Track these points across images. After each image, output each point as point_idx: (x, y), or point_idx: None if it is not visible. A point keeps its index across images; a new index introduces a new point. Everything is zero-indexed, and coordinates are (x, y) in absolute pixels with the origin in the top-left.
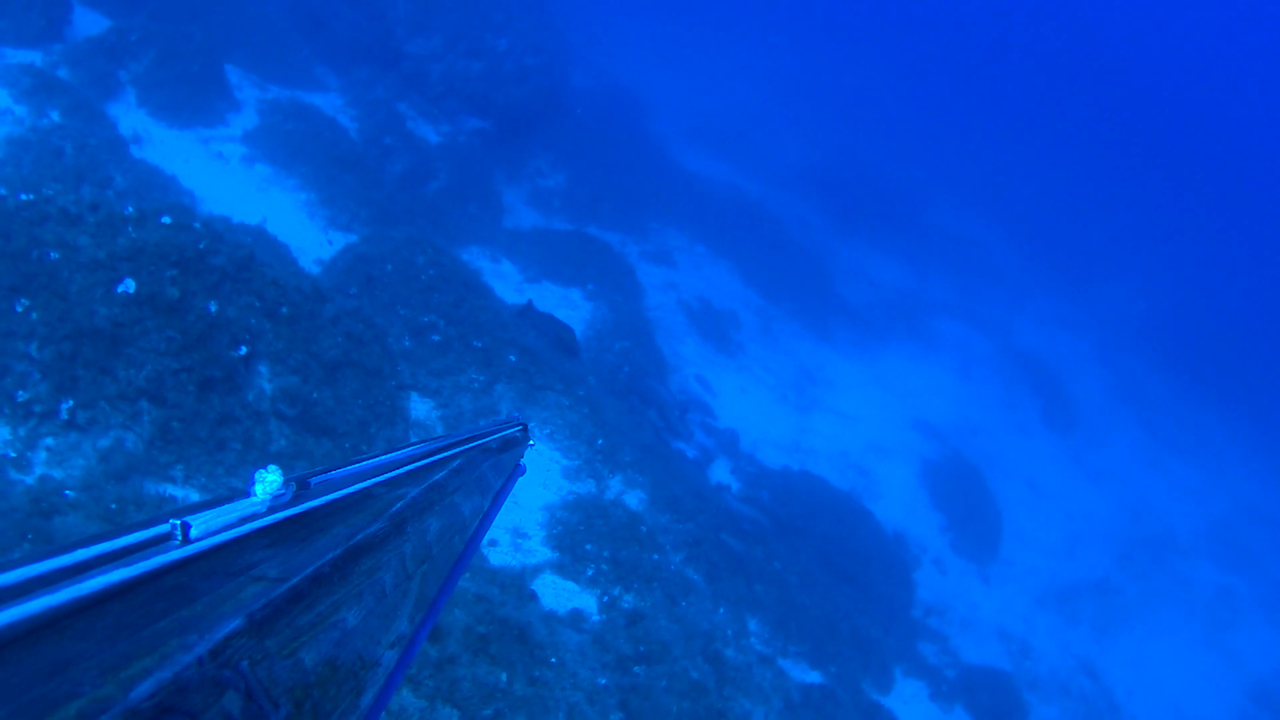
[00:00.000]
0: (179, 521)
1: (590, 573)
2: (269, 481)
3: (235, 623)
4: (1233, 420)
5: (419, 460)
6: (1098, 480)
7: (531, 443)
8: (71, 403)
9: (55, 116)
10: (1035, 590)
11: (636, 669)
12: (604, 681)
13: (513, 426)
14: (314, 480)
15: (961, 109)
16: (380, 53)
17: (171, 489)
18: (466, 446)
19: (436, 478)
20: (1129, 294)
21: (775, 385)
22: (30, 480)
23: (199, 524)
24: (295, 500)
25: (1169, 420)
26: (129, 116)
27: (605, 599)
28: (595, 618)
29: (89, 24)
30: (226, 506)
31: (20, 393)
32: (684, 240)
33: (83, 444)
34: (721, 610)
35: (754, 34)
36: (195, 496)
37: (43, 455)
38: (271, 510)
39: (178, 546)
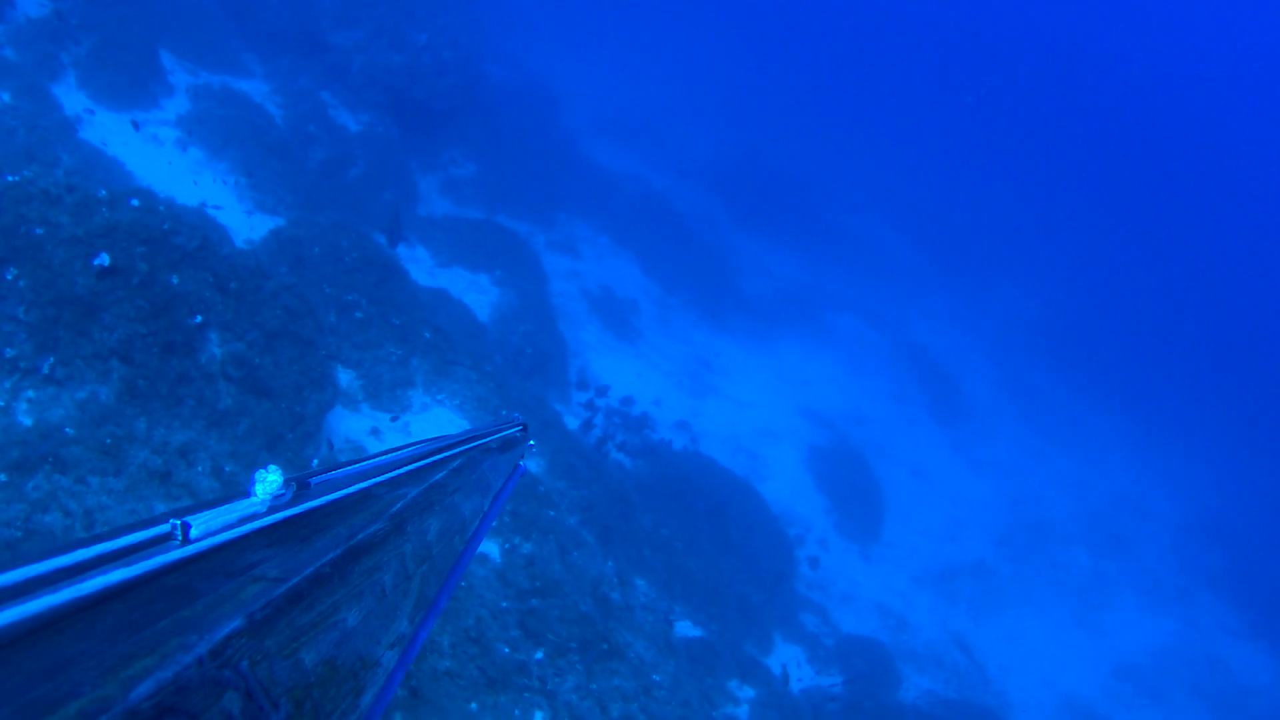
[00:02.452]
0: (179, 522)
1: (494, 523)
2: (269, 482)
3: (235, 623)
4: (1112, 416)
5: (419, 460)
6: (981, 470)
7: (531, 443)
8: (52, 360)
9: (6, 98)
10: (915, 570)
11: (533, 600)
12: (506, 605)
13: (513, 426)
14: (314, 480)
15: (865, 111)
16: (305, 43)
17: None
18: (466, 446)
19: (437, 478)
20: (1019, 294)
21: (672, 371)
22: (28, 423)
23: (199, 524)
24: (295, 500)
25: (1052, 415)
26: (71, 98)
27: (506, 546)
28: (498, 560)
29: (31, 4)
30: (226, 507)
31: (8, 350)
32: (589, 231)
33: (61, 396)
34: (610, 564)
35: (665, 30)
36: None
37: (24, 405)
38: (271, 510)
39: (178, 547)
